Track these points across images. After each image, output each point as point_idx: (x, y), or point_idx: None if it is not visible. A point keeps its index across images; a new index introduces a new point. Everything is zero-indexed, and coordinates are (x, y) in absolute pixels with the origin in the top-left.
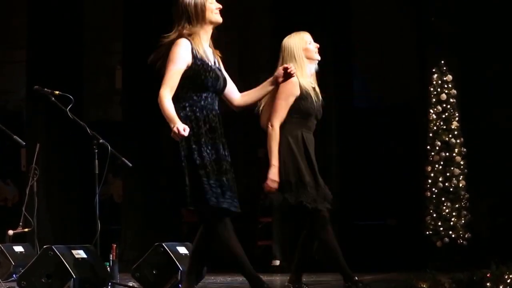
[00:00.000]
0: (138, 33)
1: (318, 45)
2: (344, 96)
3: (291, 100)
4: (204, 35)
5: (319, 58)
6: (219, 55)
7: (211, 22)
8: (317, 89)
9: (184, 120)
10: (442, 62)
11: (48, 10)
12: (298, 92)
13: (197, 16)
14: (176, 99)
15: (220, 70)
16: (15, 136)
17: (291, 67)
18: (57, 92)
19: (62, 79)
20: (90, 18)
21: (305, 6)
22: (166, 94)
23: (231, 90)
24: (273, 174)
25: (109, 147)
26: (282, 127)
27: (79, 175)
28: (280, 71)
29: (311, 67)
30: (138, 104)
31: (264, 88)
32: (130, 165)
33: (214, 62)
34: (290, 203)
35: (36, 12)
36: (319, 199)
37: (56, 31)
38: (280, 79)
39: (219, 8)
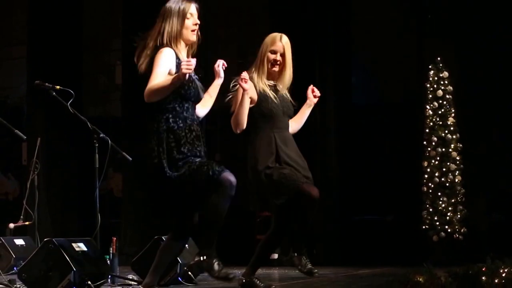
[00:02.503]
0: (138, 30)
1: (276, 58)
2: (343, 92)
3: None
4: (183, 44)
5: (274, 70)
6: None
7: (184, 40)
8: (282, 88)
9: (167, 131)
10: (439, 59)
11: (48, 7)
12: (254, 96)
13: (175, 29)
14: (159, 110)
15: (198, 80)
16: (16, 131)
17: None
18: (57, 86)
19: (62, 75)
20: (89, 15)
21: (305, 3)
22: (154, 84)
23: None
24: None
25: (109, 141)
26: (255, 132)
27: (80, 169)
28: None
29: (272, 72)
30: (138, 100)
31: (213, 90)
32: (130, 159)
33: (193, 73)
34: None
35: (37, 9)
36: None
37: (56, 28)
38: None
39: (197, 24)
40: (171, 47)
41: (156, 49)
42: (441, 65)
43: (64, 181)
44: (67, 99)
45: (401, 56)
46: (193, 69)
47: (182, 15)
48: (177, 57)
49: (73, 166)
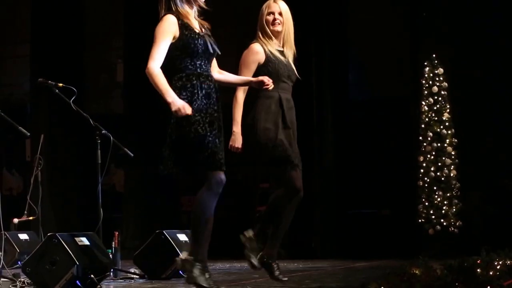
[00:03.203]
0: (139, 28)
1: (277, 17)
2: (340, 89)
3: (253, 67)
4: (191, 12)
5: (276, 29)
6: (209, 26)
7: (197, 4)
8: (288, 53)
9: (180, 89)
10: (434, 55)
11: (50, 7)
12: (262, 58)
13: None
14: (173, 70)
15: (209, 36)
16: (20, 127)
17: (269, 83)
18: (60, 84)
19: (64, 73)
20: (91, 14)
21: (303, 1)
22: (155, 67)
23: (212, 64)
24: (232, 140)
25: (111, 138)
26: (259, 93)
27: (82, 165)
28: (259, 79)
29: (275, 34)
30: (139, 97)
31: (242, 80)
32: (132, 155)
33: (202, 30)
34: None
35: (40, 8)
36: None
37: (58, 26)
38: (256, 85)
39: None
40: (175, 12)
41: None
42: (436, 61)
43: (67, 176)
44: (69, 97)
45: (397, 53)
46: (184, 114)
47: None
48: (180, 19)
49: (76, 162)
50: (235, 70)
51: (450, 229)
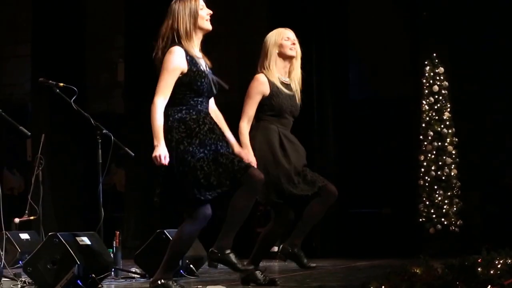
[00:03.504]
0: (140, 27)
1: (295, 42)
2: (340, 88)
3: (258, 98)
4: (196, 41)
5: (293, 54)
6: (210, 65)
7: (201, 29)
8: (295, 86)
9: (179, 121)
10: (434, 55)
11: (51, 6)
12: (267, 90)
13: (190, 22)
14: (173, 102)
15: (211, 75)
16: (20, 127)
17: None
18: (61, 84)
19: (65, 73)
20: (92, 13)
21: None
22: (160, 105)
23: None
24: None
25: (112, 137)
26: (258, 125)
27: (83, 164)
28: (244, 156)
29: (286, 64)
30: (140, 97)
31: (227, 137)
32: (133, 154)
33: (206, 67)
34: (274, 200)
35: (41, 8)
36: (298, 185)
37: (59, 26)
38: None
39: (210, 14)
40: (182, 44)
41: (167, 48)
42: (436, 61)
43: (68, 176)
44: (70, 96)
45: (397, 52)
46: (158, 163)
47: (195, 11)
48: (188, 54)
49: (77, 162)
50: (236, 69)
51: (450, 228)
